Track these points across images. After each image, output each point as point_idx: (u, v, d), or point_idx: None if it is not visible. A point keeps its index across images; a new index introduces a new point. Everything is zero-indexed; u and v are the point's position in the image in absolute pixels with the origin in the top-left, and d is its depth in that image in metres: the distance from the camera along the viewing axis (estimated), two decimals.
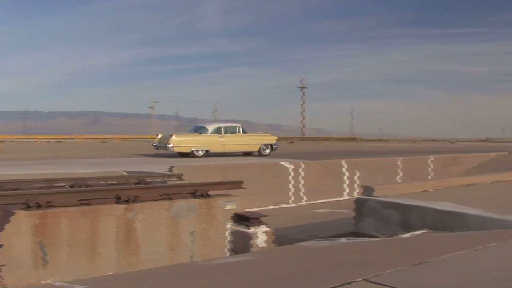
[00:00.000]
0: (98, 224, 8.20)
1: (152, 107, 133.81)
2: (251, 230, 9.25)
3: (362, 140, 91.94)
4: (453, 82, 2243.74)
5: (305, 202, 16.38)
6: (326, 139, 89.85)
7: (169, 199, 9.17)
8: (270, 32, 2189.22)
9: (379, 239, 6.03)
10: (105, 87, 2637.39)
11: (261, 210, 11.47)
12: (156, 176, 11.74)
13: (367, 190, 7.97)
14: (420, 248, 5.16)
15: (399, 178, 19.94)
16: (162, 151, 24.89)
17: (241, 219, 9.59)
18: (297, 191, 16.43)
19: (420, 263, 3.99)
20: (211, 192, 9.84)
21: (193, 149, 23.89)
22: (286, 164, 16.61)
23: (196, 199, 9.44)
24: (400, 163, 20.64)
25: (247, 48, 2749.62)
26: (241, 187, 10.67)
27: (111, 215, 8.35)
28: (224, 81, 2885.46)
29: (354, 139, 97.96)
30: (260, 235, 9.18)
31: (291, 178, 16.39)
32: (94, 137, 72.73)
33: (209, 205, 9.48)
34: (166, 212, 8.93)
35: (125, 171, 13.07)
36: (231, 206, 9.71)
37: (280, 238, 9.37)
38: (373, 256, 4.71)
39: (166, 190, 9.47)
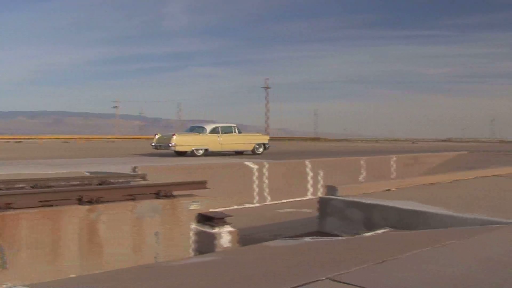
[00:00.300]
0: (60, 226, 8.07)
1: (115, 107, 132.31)
2: (215, 230, 9.24)
3: (325, 140, 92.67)
4: (414, 83, 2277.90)
5: (269, 202, 16.42)
6: (290, 139, 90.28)
7: (132, 199, 9.09)
8: (234, 32, 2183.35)
9: (343, 238, 6.09)
10: (68, 86, 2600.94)
11: (226, 210, 11.45)
12: (120, 177, 11.62)
13: (330, 189, 8.03)
14: (382, 247, 5.23)
15: (362, 177, 20.16)
16: (155, 150, 25.81)
17: (205, 219, 9.57)
18: (261, 191, 16.46)
19: (382, 261, 4.04)
20: (175, 193, 9.80)
21: (193, 148, 24.57)
22: (250, 164, 16.63)
23: (160, 200, 9.38)
24: (363, 163, 20.87)
25: (212, 48, 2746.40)
26: (205, 187, 10.65)
27: (73, 217, 8.23)
28: (189, 80, 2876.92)
29: (317, 139, 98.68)
30: (225, 235, 9.18)
31: (256, 178, 16.42)
32: (56, 137, 71.50)
33: (173, 205, 9.43)
34: (129, 213, 8.85)
35: (88, 172, 12.90)
36: (195, 206, 9.68)
37: (245, 238, 9.39)
38: (336, 255, 4.75)
39: (130, 191, 9.39)
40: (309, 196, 17.56)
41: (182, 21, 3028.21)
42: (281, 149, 35.94)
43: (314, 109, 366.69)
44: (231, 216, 9.71)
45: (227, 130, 26.79)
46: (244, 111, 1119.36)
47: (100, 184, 10.46)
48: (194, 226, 9.55)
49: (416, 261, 4.14)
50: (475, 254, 4.44)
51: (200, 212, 9.69)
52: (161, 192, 9.55)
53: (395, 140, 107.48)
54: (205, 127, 26.74)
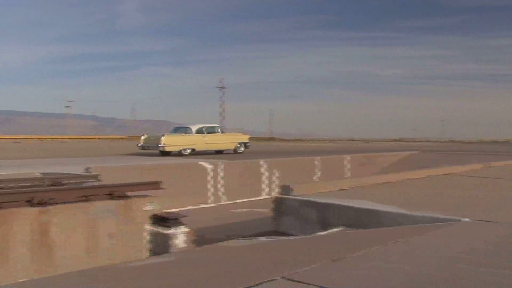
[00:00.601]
0: (10, 229, 7.87)
1: (68, 107, 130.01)
2: (170, 231, 9.19)
3: (281, 140, 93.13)
4: (368, 83, 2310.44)
5: (224, 202, 16.41)
6: None
7: (86, 201, 8.94)
8: (190, 31, 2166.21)
9: (298, 237, 6.13)
10: (19, 85, 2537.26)
11: (181, 210, 11.39)
12: (72, 178, 11.42)
13: (285, 189, 8.08)
14: (337, 245, 5.29)
15: (317, 177, 20.36)
16: (148, 150, 26.31)
17: (160, 220, 9.50)
18: (216, 191, 16.44)
19: (336, 260, 4.09)
20: (130, 193, 9.69)
21: (181, 148, 25.37)
22: (205, 164, 16.58)
23: (114, 201, 9.26)
24: (318, 163, 21.07)
25: (167, 47, 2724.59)
26: (160, 188, 10.57)
27: (23, 219, 8.04)
28: (144, 80, 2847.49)
29: (273, 139, 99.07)
30: (180, 236, 9.13)
31: (210, 178, 16.38)
32: (6, 137, 69.71)
33: (128, 206, 9.33)
34: (82, 214, 8.70)
35: (39, 173, 12.62)
36: (150, 207, 9.60)
37: (200, 239, 9.35)
38: (292, 254, 4.78)
39: (83, 192, 9.23)
40: (265, 196, 17.63)
41: (137, 20, 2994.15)
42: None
43: (270, 109, 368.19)
44: (186, 216, 9.66)
45: (211, 130, 27.61)
46: (200, 111, 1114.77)
47: (52, 185, 10.25)
48: (149, 227, 9.47)
49: (369, 259, 4.21)
50: (426, 251, 4.53)
51: (155, 213, 9.62)
52: (115, 193, 9.43)
53: (349, 140, 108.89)
54: (191, 127, 27.37)
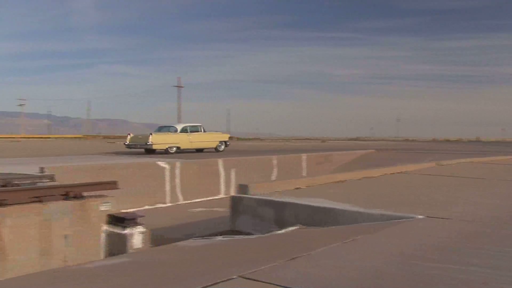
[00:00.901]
0: None
1: (21, 105, 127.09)
2: (127, 231, 9.08)
3: (238, 139, 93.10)
4: (325, 83, 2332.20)
5: (182, 202, 16.33)
6: None
7: (39, 201, 8.75)
8: (148, 29, 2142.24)
9: (255, 236, 6.15)
10: None
11: (138, 210, 11.28)
12: (25, 178, 11.16)
13: (242, 188, 8.09)
14: (294, 244, 5.33)
15: (274, 176, 20.45)
16: (135, 149, 27.54)
17: (116, 220, 9.38)
18: (173, 191, 16.35)
19: (293, 258, 4.12)
20: (85, 194, 9.53)
21: (168, 147, 26.66)
22: (162, 163, 16.47)
23: (69, 201, 9.10)
24: (275, 162, 21.17)
25: (124, 46, 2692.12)
26: (116, 188, 10.44)
27: None
28: (99, 79, 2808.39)
29: (230, 138, 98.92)
30: (136, 236, 9.04)
31: (167, 178, 16.28)
32: None
33: (83, 207, 9.18)
34: (36, 216, 8.52)
35: None
36: (106, 207, 9.47)
37: (157, 239, 9.28)
38: (249, 253, 4.79)
39: (36, 193, 9.03)
40: (222, 195, 17.61)
41: (92, 17, 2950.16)
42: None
43: (227, 109, 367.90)
44: (143, 216, 9.57)
45: (195, 129, 29.03)
46: (157, 110, 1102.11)
47: (3, 186, 10.00)
48: (105, 227, 9.34)
49: (326, 256, 4.25)
50: (382, 248, 4.61)
51: (111, 213, 9.49)
52: (70, 193, 9.26)
53: (307, 139, 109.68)
54: (176, 126, 28.91)
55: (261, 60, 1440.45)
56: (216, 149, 29.55)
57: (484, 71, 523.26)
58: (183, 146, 27.57)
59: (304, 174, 21.68)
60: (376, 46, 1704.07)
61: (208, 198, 16.93)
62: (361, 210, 6.46)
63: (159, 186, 15.89)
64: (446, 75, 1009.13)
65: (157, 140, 26.38)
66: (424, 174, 12.36)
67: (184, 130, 28.40)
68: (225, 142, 30.70)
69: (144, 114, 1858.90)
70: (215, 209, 14.15)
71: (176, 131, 28.19)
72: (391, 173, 12.06)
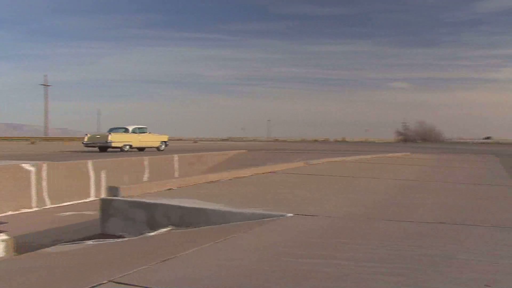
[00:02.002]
0: None
1: None
2: None
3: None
4: (198, 83, 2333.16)
5: (49, 206, 15.61)
6: (71, 139, 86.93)
7: None
8: (11, 24, 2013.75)
9: (126, 239, 6.04)
10: None
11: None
12: None
13: (112, 190, 7.90)
14: (166, 245, 5.30)
15: (146, 177, 20.15)
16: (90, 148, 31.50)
17: None
18: (40, 195, 15.58)
19: (165, 260, 4.10)
20: None
21: (123, 144, 30.95)
22: (26, 165, 15.65)
23: None
24: (146, 162, 20.85)
25: None
26: None
27: None
28: None
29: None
30: None
31: (33, 181, 15.49)
32: None
33: None
34: None
35: None
36: None
37: (22, 246, 8.81)
38: (120, 256, 4.70)
39: None
40: (92, 198, 17.06)
41: None
42: (62, 150, 34.46)
43: (98, 109, 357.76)
44: (6, 223, 9.07)
45: (142, 131, 33.46)
46: (21, 110, 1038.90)
47: None
48: None
49: (199, 257, 4.27)
50: (254, 246, 4.70)
51: None
52: None
53: (180, 139, 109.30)
54: (128, 128, 32.38)
55: (132, 59, 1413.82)
56: (158, 148, 33.58)
57: (349, 75, 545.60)
58: (134, 144, 31.91)
59: (176, 175, 21.57)
60: (248, 48, 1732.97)
61: (78, 202, 16.32)
62: (233, 209, 6.55)
63: (23, 189, 15.08)
64: (315, 78, 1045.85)
65: (116, 139, 30.76)
66: (294, 173, 12.77)
67: (134, 131, 32.54)
68: (165, 142, 34.97)
69: (7, 114, 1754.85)
70: (85, 212, 13.69)
71: (128, 131, 32.14)
72: (262, 173, 12.33)
